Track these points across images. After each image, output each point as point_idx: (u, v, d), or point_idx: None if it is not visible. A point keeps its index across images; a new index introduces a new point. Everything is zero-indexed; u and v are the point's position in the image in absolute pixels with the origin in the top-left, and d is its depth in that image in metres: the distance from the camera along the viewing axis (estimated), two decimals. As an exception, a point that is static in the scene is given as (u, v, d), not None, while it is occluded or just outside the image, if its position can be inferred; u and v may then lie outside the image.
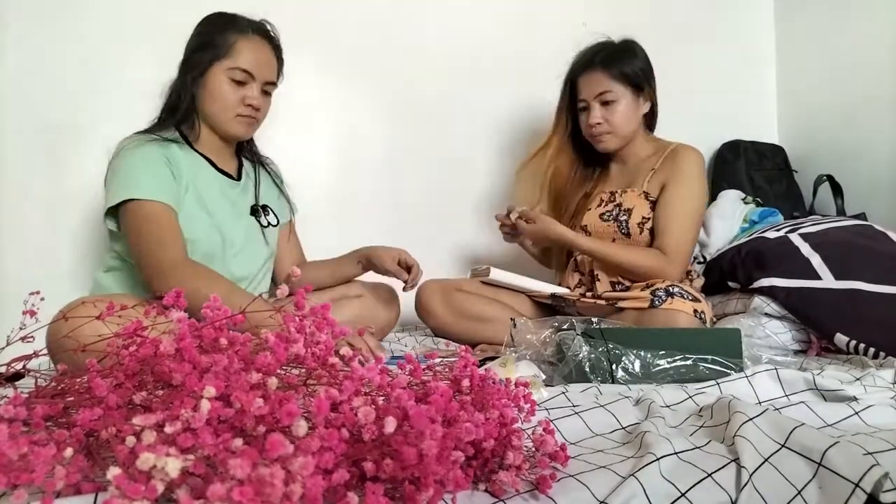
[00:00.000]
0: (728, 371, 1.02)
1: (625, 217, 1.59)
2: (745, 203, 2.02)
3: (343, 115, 2.04)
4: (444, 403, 0.57)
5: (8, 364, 0.70)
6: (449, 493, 0.56)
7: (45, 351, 0.75)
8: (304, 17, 1.97)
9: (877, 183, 2.04)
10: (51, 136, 1.76)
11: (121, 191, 1.27)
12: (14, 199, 1.74)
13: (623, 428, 0.81)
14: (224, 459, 0.45)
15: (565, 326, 1.13)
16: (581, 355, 1.05)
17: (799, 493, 0.60)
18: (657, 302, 1.38)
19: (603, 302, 1.48)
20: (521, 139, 2.16)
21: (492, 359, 1.18)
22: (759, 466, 0.63)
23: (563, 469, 0.64)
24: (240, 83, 1.36)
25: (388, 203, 2.06)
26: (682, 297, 1.38)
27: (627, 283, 1.57)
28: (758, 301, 1.51)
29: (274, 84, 1.44)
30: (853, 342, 1.33)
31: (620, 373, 1.04)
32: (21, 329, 0.71)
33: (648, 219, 1.57)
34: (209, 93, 1.36)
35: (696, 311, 1.37)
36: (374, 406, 0.54)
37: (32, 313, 0.73)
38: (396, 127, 2.07)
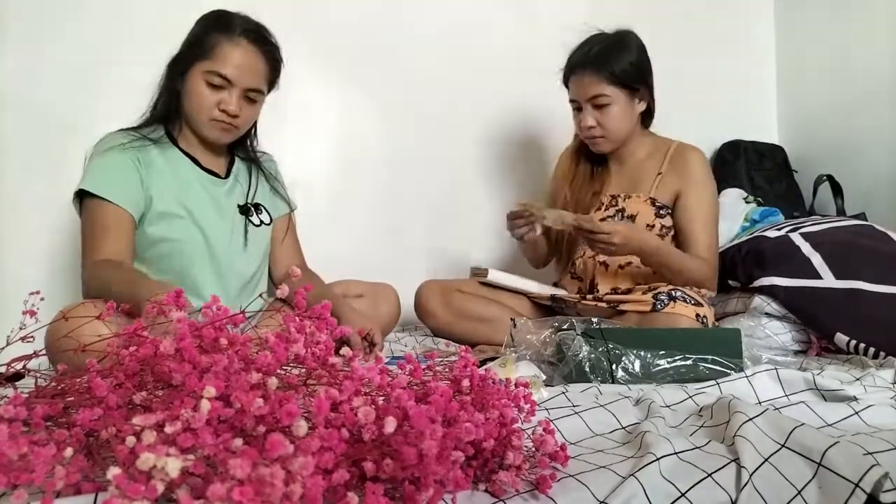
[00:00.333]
0: (728, 371, 1.02)
1: (633, 228, 1.55)
2: (747, 202, 2.02)
3: (343, 116, 2.04)
4: (444, 403, 0.57)
5: (8, 364, 0.70)
6: (449, 493, 0.56)
7: (45, 351, 0.75)
8: (304, 18, 1.97)
9: (877, 183, 2.04)
10: (51, 136, 1.76)
11: (81, 182, 1.30)
12: (14, 199, 1.74)
13: (623, 428, 0.81)
14: (224, 459, 0.45)
15: (565, 326, 1.13)
16: (581, 355, 1.05)
17: (799, 493, 0.60)
18: (659, 306, 1.37)
19: (604, 305, 1.47)
20: (521, 139, 2.16)
21: (492, 359, 1.18)
22: (759, 466, 0.63)
23: (563, 469, 0.64)
24: (216, 87, 1.32)
25: (387, 203, 2.05)
26: (685, 300, 1.38)
27: (629, 287, 1.57)
28: (758, 300, 1.51)
29: (259, 91, 1.38)
30: (853, 342, 1.33)
31: (620, 373, 1.04)
32: (21, 329, 0.71)
33: (652, 226, 1.55)
34: (186, 93, 1.34)
35: (698, 315, 1.36)
36: (374, 406, 0.54)
37: (32, 313, 0.73)
38: (396, 127, 2.07)
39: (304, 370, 0.63)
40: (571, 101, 1.58)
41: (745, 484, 0.61)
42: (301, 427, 0.48)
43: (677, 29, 2.32)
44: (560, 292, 1.60)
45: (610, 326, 1.15)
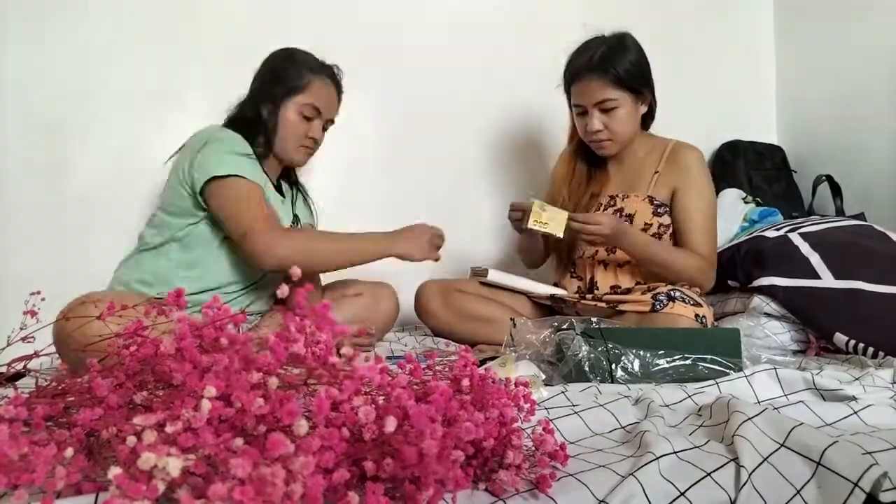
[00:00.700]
0: (727, 371, 1.02)
1: (626, 223, 1.56)
2: (745, 203, 2.02)
3: (343, 116, 2.04)
4: (444, 403, 0.57)
5: (8, 364, 0.71)
6: (449, 493, 0.56)
7: (45, 351, 0.75)
8: (304, 18, 1.97)
9: (876, 183, 2.04)
10: (51, 136, 1.76)
11: (224, 165, 1.34)
12: (15, 199, 1.74)
13: (622, 427, 0.81)
14: (225, 459, 0.45)
15: (565, 326, 1.13)
16: (580, 355, 1.05)
17: (798, 492, 0.60)
18: (658, 306, 1.37)
19: (603, 305, 1.47)
20: (521, 139, 2.16)
21: (492, 359, 1.18)
22: (759, 466, 0.63)
23: (563, 468, 0.64)
24: (308, 118, 1.48)
25: (386, 203, 2.05)
26: (684, 301, 1.38)
27: (628, 287, 1.57)
28: (757, 300, 1.51)
29: (332, 122, 1.56)
30: (852, 342, 1.33)
31: (620, 372, 1.04)
32: (22, 329, 0.71)
33: (651, 224, 1.56)
34: (280, 123, 1.47)
35: (697, 315, 1.37)
36: (374, 405, 0.54)
37: (33, 313, 0.73)
38: (396, 127, 2.07)
39: (304, 370, 0.63)
40: (575, 105, 1.57)
41: (745, 483, 0.61)
42: (301, 426, 0.48)
43: (677, 29, 2.32)
44: (560, 292, 1.60)
45: (609, 326, 1.15)
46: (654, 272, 1.54)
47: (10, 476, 0.50)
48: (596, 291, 1.59)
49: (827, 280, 1.44)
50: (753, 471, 0.62)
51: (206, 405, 0.49)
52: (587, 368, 1.04)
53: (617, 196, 1.62)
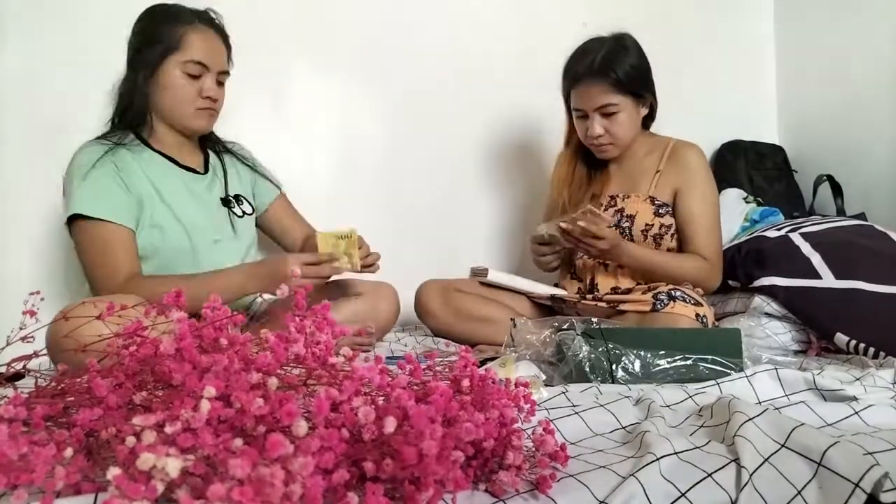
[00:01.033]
0: (728, 371, 1.02)
1: (627, 223, 1.57)
2: (746, 202, 2.02)
3: (342, 116, 2.04)
4: (444, 403, 0.57)
5: (8, 364, 0.70)
6: (449, 493, 0.56)
7: (45, 351, 0.75)
8: (304, 18, 1.97)
9: (877, 183, 2.04)
10: (51, 136, 1.76)
11: (72, 206, 1.28)
12: (14, 199, 1.74)
13: (623, 428, 0.81)
14: (224, 459, 0.45)
15: (565, 326, 1.13)
16: (581, 355, 1.05)
17: (799, 492, 0.60)
18: (659, 306, 1.37)
19: (604, 305, 1.47)
20: (521, 140, 2.16)
21: (492, 359, 1.18)
22: (759, 466, 0.63)
23: (563, 469, 0.64)
24: (194, 76, 1.34)
25: (386, 203, 2.05)
26: (685, 300, 1.38)
27: (629, 287, 1.57)
28: (758, 300, 1.51)
29: (226, 73, 1.42)
30: (853, 342, 1.33)
31: (620, 373, 1.04)
32: (21, 329, 0.71)
33: (652, 225, 1.55)
34: (164, 88, 1.35)
35: (698, 315, 1.36)
36: (374, 406, 0.54)
37: (32, 313, 0.73)
38: (396, 127, 2.07)
39: (304, 370, 0.63)
40: (576, 109, 1.57)
41: (745, 484, 0.61)
42: (301, 427, 0.48)
43: (677, 29, 2.32)
44: (560, 292, 1.60)
45: (610, 326, 1.15)
46: (654, 278, 1.54)
47: (9, 476, 0.50)
48: (596, 292, 1.59)
49: (828, 280, 1.44)
50: (754, 471, 0.62)
51: (205, 405, 0.49)
52: (588, 369, 1.04)
53: (617, 196, 1.62)
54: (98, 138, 1.38)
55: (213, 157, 1.53)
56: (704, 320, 1.37)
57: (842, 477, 0.59)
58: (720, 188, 2.15)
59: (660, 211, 1.56)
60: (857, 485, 0.57)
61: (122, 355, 0.62)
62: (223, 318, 0.63)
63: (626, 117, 1.53)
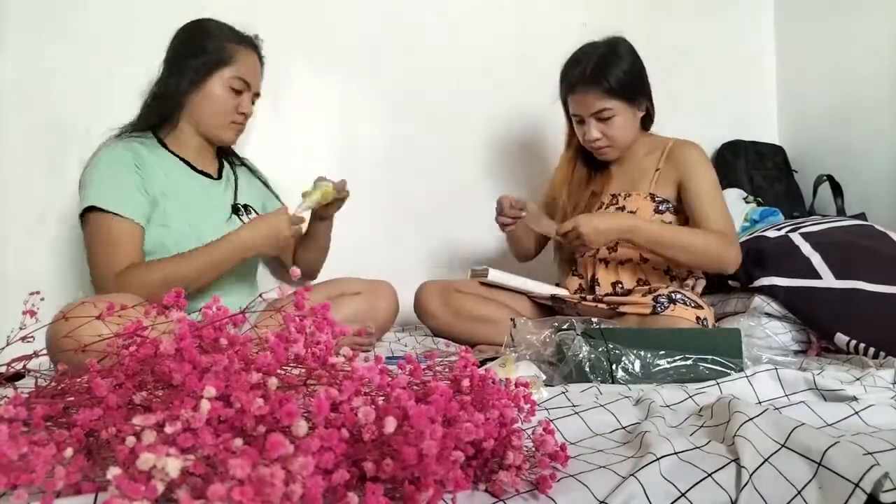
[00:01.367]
0: (728, 371, 1.02)
1: (632, 218, 1.57)
2: (746, 202, 2.02)
3: (342, 116, 2.04)
4: (444, 403, 0.57)
5: (8, 364, 0.70)
6: (449, 493, 0.56)
7: (45, 351, 0.75)
8: (305, 18, 1.97)
9: (877, 183, 2.04)
10: (51, 136, 1.76)
11: (85, 199, 1.31)
12: (14, 199, 1.74)
13: (623, 428, 0.81)
14: (224, 459, 0.45)
15: (565, 326, 1.13)
16: (581, 355, 1.05)
17: (799, 493, 0.60)
18: (659, 308, 1.37)
19: (604, 306, 1.47)
20: (521, 139, 2.16)
21: (492, 359, 1.18)
22: (759, 466, 0.63)
23: (563, 469, 0.64)
24: (237, 91, 1.42)
25: (387, 204, 2.05)
26: (685, 303, 1.38)
27: (629, 288, 1.57)
28: (758, 301, 1.51)
29: (259, 95, 1.50)
30: (853, 342, 1.33)
31: (620, 373, 1.04)
32: (21, 329, 0.71)
33: (652, 222, 1.56)
34: (205, 98, 1.40)
35: (698, 317, 1.36)
36: (374, 406, 0.54)
37: (32, 313, 0.73)
38: (396, 127, 2.07)
39: (304, 370, 0.63)
40: (573, 115, 1.59)
41: (745, 484, 0.61)
42: (301, 427, 0.48)
43: (677, 29, 2.32)
44: (561, 292, 1.60)
45: (610, 327, 1.15)
46: (676, 260, 1.50)
47: (9, 476, 0.50)
48: (597, 288, 1.59)
49: (828, 280, 1.44)
50: (754, 471, 0.62)
51: (205, 405, 0.49)
52: (588, 369, 1.04)
53: (619, 195, 1.63)
54: (118, 136, 1.41)
55: (227, 167, 1.57)
56: (705, 323, 1.37)
57: (842, 477, 0.59)
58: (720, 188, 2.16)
59: (660, 208, 1.57)
60: (857, 485, 0.57)
61: (122, 355, 0.62)
62: (223, 318, 0.63)
63: (623, 121, 1.54)
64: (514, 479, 0.59)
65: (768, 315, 1.49)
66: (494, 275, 1.60)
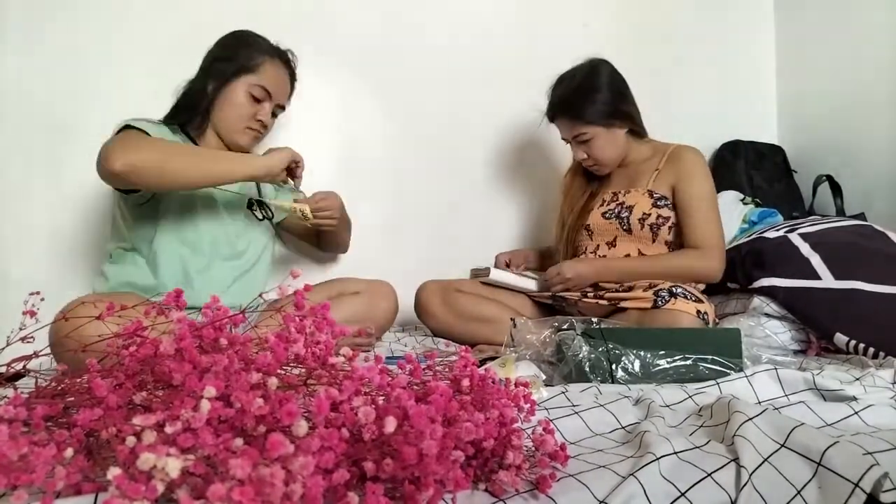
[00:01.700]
0: (728, 371, 1.02)
1: (626, 214, 1.60)
2: (745, 203, 2.02)
3: (345, 117, 2.04)
4: (444, 403, 0.57)
5: (8, 364, 0.70)
6: (449, 493, 0.56)
7: (45, 351, 0.75)
8: (306, 19, 1.97)
9: (876, 183, 2.04)
10: (51, 136, 1.76)
11: (122, 124, 1.31)
12: (14, 199, 1.74)
13: (623, 428, 0.81)
14: (224, 459, 0.45)
15: (565, 326, 1.13)
16: (581, 355, 1.05)
17: (798, 492, 0.60)
18: (660, 302, 1.38)
19: (605, 302, 1.48)
20: (522, 141, 2.16)
21: (492, 359, 1.18)
22: (759, 466, 0.63)
23: (563, 469, 0.64)
24: (257, 100, 1.46)
25: (388, 204, 2.06)
26: (686, 297, 1.38)
27: (630, 284, 1.57)
28: (757, 301, 1.51)
29: (283, 108, 1.54)
30: (853, 342, 1.33)
31: (620, 373, 1.04)
32: (21, 329, 0.71)
33: (649, 214, 1.58)
34: (226, 101, 1.45)
35: (699, 311, 1.37)
36: (374, 406, 0.54)
37: (32, 313, 0.73)
38: (396, 128, 2.07)
39: (304, 370, 0.63)
40: (561, 137, 1.69)
41: (745, 484, 0.61)
42: (301, 427, 0.48)
43: (677, 29, 2.32)
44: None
45: (610, 326, 1.15)
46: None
47: (9, 476, 0.50)
48: (598, 284, 1.60)
49: (827, 280, 1.44)
50: (754, 471, 0.62)
51: (205, 405, 0.49)
52: (587, 369, 1.04)
53: (619, 192, 1.67)
54: (151, 120, 1.42)
55: None
56: (705, 317, 1.38)
57: (841, 477, 0.59)
58: (719, 189, 2.16)
59: (658, 203, 1.59)
60: (856, 485, 0.57)
61: (122, 355, 0.62)
62: (223, 318, 0.63)
63: (603, 142, 1.61)
64: (514, 478, 0.59)
65: (768, 315, 1.49)
66: (495, 274, 1.61)
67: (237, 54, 1.45)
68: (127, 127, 1.31)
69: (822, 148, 2.27)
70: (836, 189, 2.09)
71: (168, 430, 0.48)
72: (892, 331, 1.32)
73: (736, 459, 0.64)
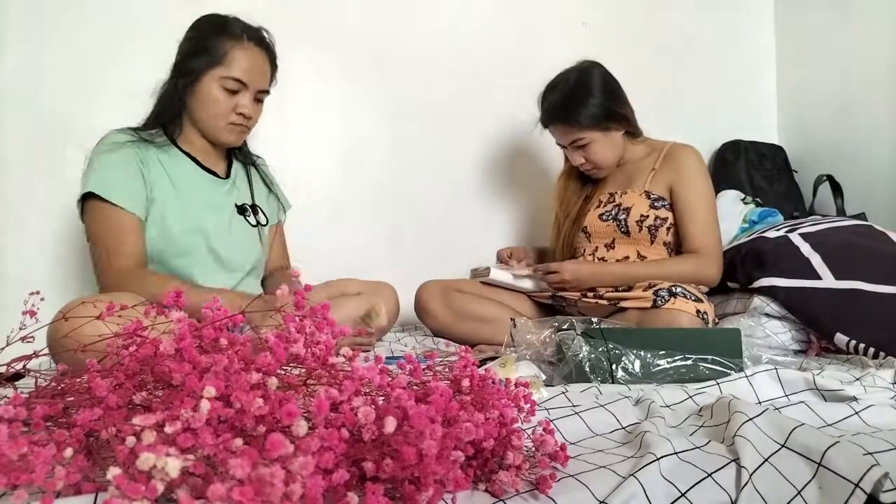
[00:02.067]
0: (728, 371, 1.02)
1: (623, 216, 1.59)
2: (745, 203, 2.02)
3: (345, 118, 2.05)
4: (444, 403, 0.57)
5: (8, 364, 0.70)
6: (449, 493, 0.56)
7: (45, 351, 0.75)
8: (307, 19, 1.97)
9: (877, 183, 2.04)
10: (51, 136, 1.76)
11: (88, 184, 1.29)
12: (14, 200, 1.74)
13: (623, 428, 0.81)
14: (224, 459, 0.45)
15: (565, 326, 1.13)
16: (581, 355, 1.05)
17: (799, 493, 0.60)
18: (660, 302, 1.38)
19: (605, 302, 1.48)
20: (521, 142, 2.16)
21: (492, 359, 1.18)
22: (759, 466, 0.63)
23: (563, 469, 0.64)
24: (233, 92, 1.37)
25: (389, 204, 2.06)
26: (685, 297, 1.38)
27: (629, 285, 1.57)
28: (758, 301, 1.51)
29: (267, 92, 1.44)
30: (853, 342, 1.33)
31: (620, 373, 1.04)
32: (21, 329, 0.71)
33: (647, 216, 1.57)
34: (201, 100, 1.37)
35: (698, 311, 1.37)
36: (374, 406, 0.54)
37: (32, 313, 0.73)
38: (397, 130, 2.07)
39: (304, 370, 0.63)
40: (556, 143, 1.67)
41: (745, 484, 0.61)
42: (301, 427, 0.48)
43: (677, 29, 2.32)
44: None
45: (610, 326, 1.15)
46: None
47: (9, 476, 0.50)
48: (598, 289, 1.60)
49: (827, 280, 1.44)
50: (754, 471, 0.62)
51: (205, 405, 0.49)
52: (588, 369, 1.04)
53: (615, 193, 1.66)
54: (130, 128, 1.40)
55: (236, 165, 1.55)
56: (705, 316, 1.38)
57: (842, 477, 0.59)
58: (719, 189, 2.16)
59: (655, 204, 1.58)
60: (857, 485, 0.57)
61: (122, 355, 0.62)
62: (223, 318, 0.63)
63: (600, 146, 1.60)
64: (514, 479, 0.59)
65: (768, 315, 1.49)
66: (496, 274, 1.61)
67: (205, 46, 1.35)
68: (90, 195, 1.28)
69: (823, 148, 2.27)
70: (837, 189, 2.09)
71: (168, 430, 0.48)
72: (892, 331, 1.32)
73: (736, 460, 0.64)
